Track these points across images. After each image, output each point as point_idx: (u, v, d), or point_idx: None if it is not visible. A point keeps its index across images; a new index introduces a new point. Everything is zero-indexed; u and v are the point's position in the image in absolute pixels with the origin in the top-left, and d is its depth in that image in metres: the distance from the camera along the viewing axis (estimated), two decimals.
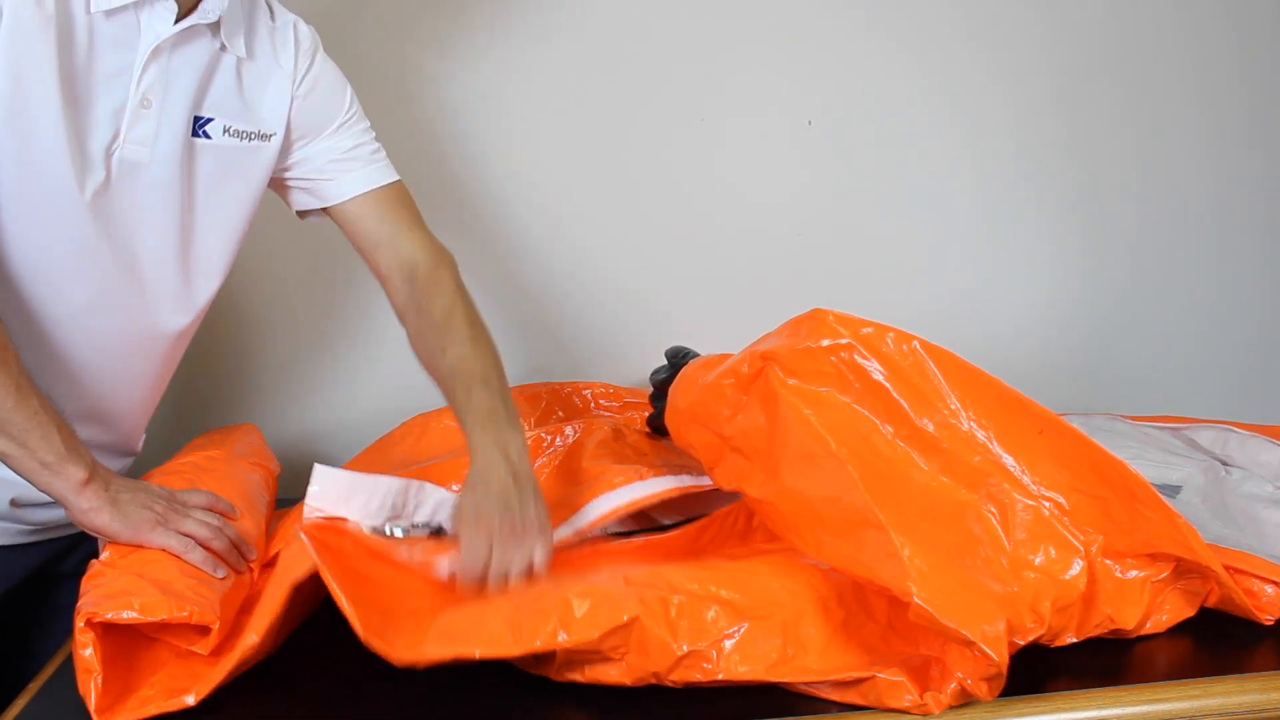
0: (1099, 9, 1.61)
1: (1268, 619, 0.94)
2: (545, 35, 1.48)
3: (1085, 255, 1.71)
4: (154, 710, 0.81)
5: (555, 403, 1.43)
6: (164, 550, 0.91)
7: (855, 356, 0.95)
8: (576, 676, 0.86)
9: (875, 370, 0.95)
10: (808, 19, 1.54)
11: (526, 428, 1.33)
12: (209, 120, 1.01)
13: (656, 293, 1.61)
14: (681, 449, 1.10)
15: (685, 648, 0.84)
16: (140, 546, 0.91)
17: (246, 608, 0.94)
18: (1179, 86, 1.66)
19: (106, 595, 0.84)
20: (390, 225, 1.12)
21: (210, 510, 0.98)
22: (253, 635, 0.84)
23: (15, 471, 0.89)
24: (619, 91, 1.52)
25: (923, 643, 0.85)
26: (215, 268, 1.08)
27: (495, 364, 1.05)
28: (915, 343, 0.96)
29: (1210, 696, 0.86)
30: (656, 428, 1.29)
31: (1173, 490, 1.28)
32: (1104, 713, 0.85)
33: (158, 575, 0.88)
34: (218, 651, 0.87)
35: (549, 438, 1.25)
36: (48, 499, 0.92)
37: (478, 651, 0.81)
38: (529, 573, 0.91)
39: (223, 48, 1.00)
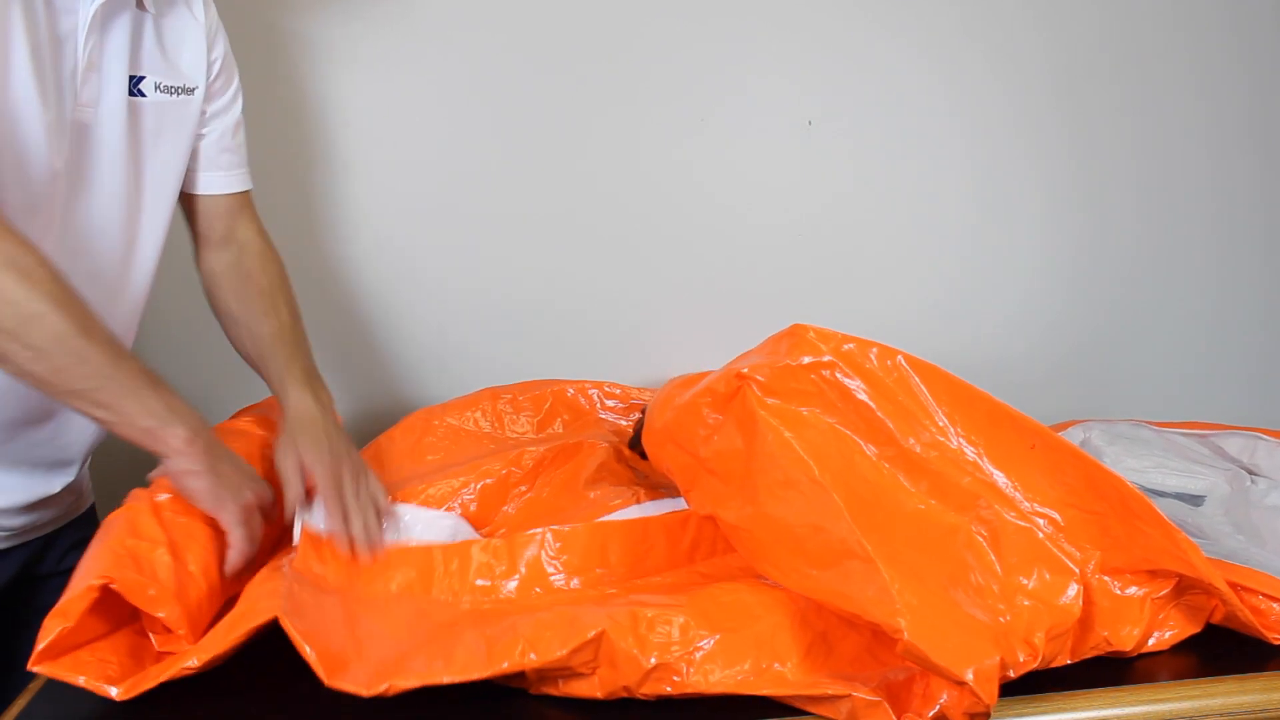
0: (1099, 9, 1.58)
1: (1276, 638, 0.90)
2: (534, 31, 1.46)
3: (1088, 255, 1.68)
4: (83, 681, 0.81)
5: (559, 405, 1.40)
6: (213, 525, 0.92)
7: (837, 374, 0.92)
8: (551, 690, 0.85)
9: (859, 389, 0.92)
10: (808, 16, 1.52)
11: (530, 429, 1.36)
12: (142, 79, 1.01)
13: (653, 295, 1.59)
14: (659, 471, 1.08)
15: (653, 660, 0.82)
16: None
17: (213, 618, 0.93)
18: (1180, 86, 1.63)
19: (120, 557, 0.85)
20: (235, 218, 1.16)
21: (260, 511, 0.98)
22: (194, 659, 0.83)
23: (117, 435, 0.88)
24: (618, 91, 1.50)
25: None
26: (160, 225, 1.08)
27: (308, 341, 1.16)
28: (900, 358, 0.93)
29: (1211, 697, 0.85)
30: (638, 452, 1.26)
31: (1195, 500, 1.23)
32: (1104, 713, 0.84)
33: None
34: (160, 658, 0.86)
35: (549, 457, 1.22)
36: (23, 505, 0.93)
37: (446, 678, 0.80)
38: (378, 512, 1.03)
39: (139, 4, 1.00)
